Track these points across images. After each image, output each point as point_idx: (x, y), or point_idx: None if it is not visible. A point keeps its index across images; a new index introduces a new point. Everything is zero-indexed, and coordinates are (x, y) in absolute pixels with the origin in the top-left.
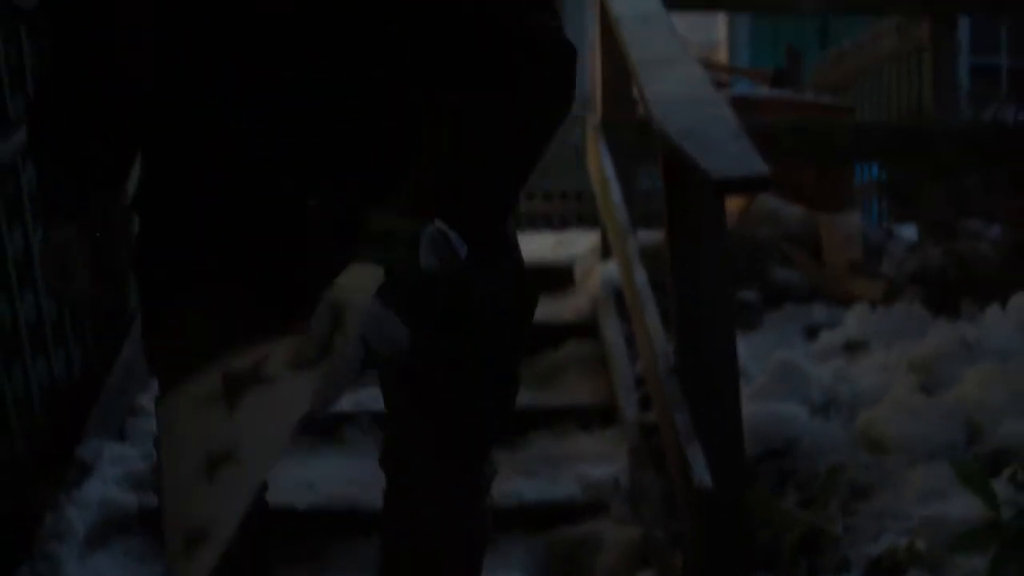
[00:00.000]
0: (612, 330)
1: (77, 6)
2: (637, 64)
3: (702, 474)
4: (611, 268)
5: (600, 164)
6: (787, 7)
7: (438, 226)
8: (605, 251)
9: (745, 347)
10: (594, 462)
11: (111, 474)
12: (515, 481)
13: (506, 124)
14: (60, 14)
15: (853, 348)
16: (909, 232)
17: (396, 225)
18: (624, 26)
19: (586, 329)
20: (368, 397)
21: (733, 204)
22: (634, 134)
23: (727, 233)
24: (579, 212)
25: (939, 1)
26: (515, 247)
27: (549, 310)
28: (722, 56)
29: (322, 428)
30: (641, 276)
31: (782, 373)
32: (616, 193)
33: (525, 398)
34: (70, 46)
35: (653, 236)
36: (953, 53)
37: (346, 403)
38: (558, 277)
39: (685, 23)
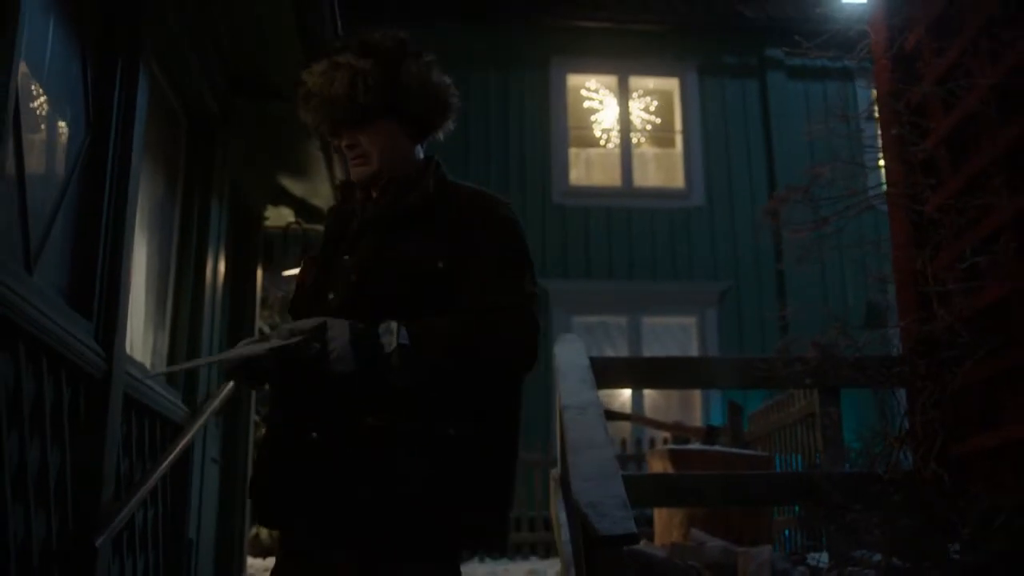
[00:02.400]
0: None
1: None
2: (569, 445)
3: None
4: None
5: (556, 510)
6: (704, 384)
7: (393, 323)
8: None
9: None
10: None
11: None
12: None
13: (475, 339)
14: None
15: None
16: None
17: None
18: (567, 413)
19: None
20: None
21: (668, 537)
22: None
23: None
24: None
25: (821, 380)
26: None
27: None
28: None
29: None
30: None
31: None
32: (565, 533)
33: None
34: None
35: None
36: (838, 416)
37: None
38: None
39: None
